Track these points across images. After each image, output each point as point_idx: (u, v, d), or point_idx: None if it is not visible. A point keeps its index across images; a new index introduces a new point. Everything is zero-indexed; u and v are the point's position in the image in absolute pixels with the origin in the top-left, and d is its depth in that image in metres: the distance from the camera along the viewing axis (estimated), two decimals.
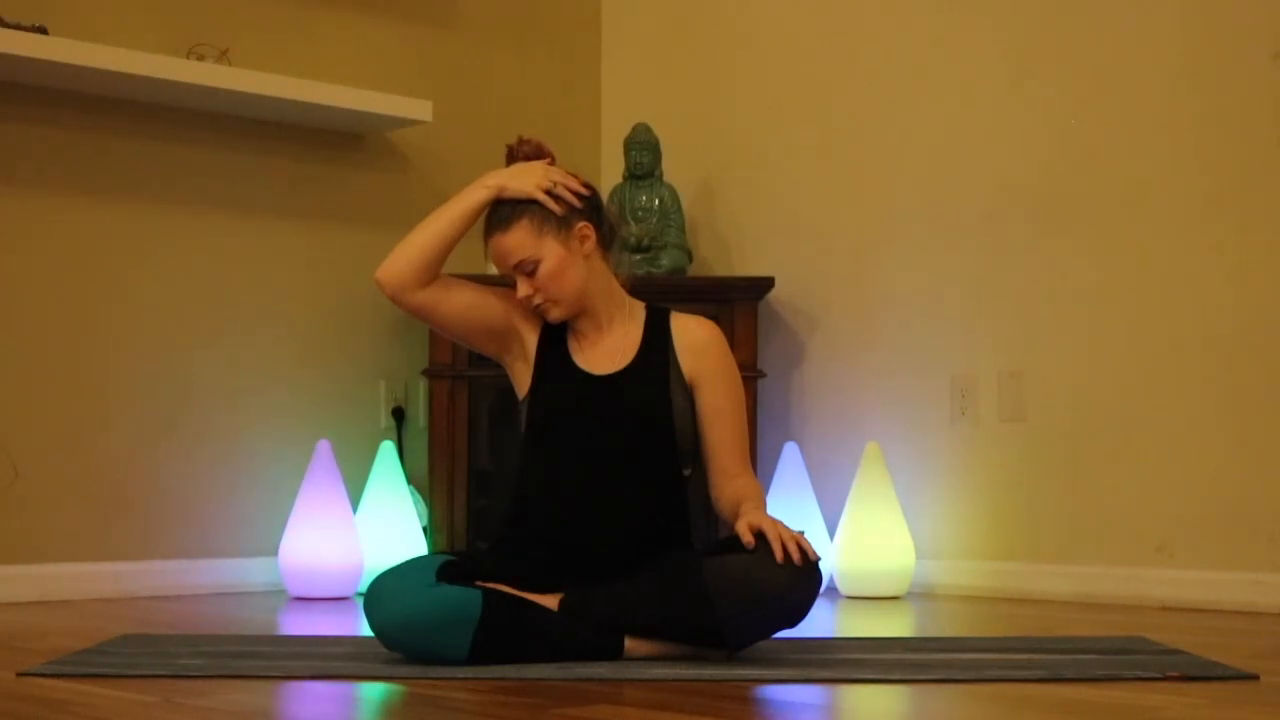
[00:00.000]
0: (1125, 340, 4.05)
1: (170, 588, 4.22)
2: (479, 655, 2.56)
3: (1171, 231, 3.99)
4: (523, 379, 2.89)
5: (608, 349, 2.87)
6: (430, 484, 4.44)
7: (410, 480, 4.46)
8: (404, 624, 2.57)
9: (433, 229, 2.84)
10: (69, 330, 4.14)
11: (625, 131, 4.76)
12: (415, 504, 4.39)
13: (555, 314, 2.85)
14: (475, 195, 2.84)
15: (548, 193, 2.81)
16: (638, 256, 4.60)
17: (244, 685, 2.42)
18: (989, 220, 4.31)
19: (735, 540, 2.64)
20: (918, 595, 4.28)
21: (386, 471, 4.33)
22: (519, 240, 2.80)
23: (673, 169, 4.78)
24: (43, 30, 3.94)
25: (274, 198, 4.49)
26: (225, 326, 4.39)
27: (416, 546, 4.25)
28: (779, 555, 2.58)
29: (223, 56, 4.27)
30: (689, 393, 2.85)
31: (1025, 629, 3.38)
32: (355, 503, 4.32)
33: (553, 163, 2.90)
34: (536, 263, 2.80)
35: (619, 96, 5.16)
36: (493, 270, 3.03)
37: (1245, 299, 3.87)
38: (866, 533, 4.20)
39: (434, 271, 2.84)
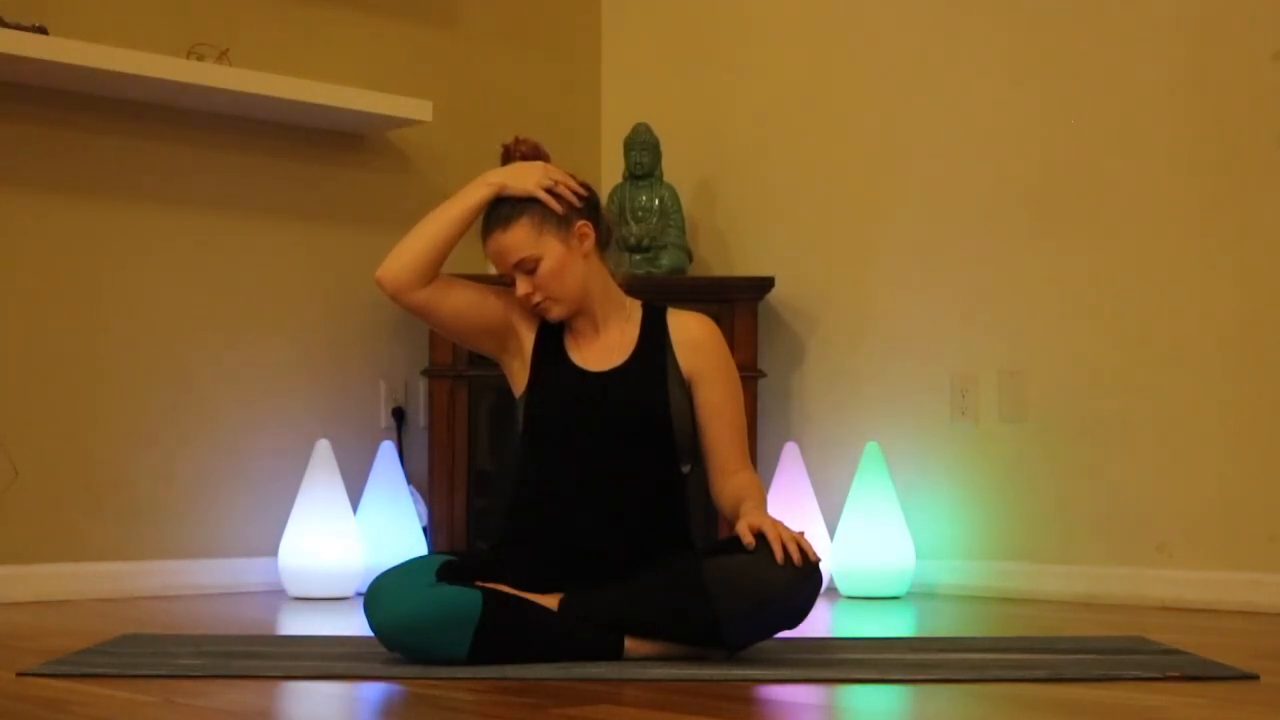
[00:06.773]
0: (1125, 340, 4.05)
1: (170, 588, 4.22)
2: (479, 655, 2.56)
3: (1171, 231, 3.99)
4: (520, 378, 2.89)
5: (605, 347, 2.87)
6: (430, 484, 4.44)
7: (410, 480, 4.46)
8: (404, 624, 2.57)
9: (433, 228, 2.84)
10: (69, 330, 4.14)
11: (625, 131, 4.76)
12: (415, 504, 4.39)
13: (555, 312, 2.85)
14: (476, 193, 2.84)
15: (548, 191, 2.82)
16: (638, 256, 4.60)
17: (244, 685, 2.42)
18: (989, 220, 4.31)
19: (735, 540, 2.64)
20: (918, 595, 4.28)
21: (386, 471, 4.33)
22: (520, 238, 2.80)
23: (673, 169, 4.78)
24: (43, 30, 3.94)
25: (274, 198, 4.49)
26: (225, 326, 4.39)
27: (416, 546, 4.25)
28: (779, 556, 2.58)
29: (223, 56, 4.27)
30: (687, 389, 2.85)
31: (1025, 629, 3.38)
32: (355, 503, 4.32)
33: (549, 163, 2.91)
34: (537, 261, 2.80)
35: (619, 96, 5.16)
36: (494, 270, 3.02)
37: (1245, 298, 3.87)
38: (866, 533, 4.20)
39: (434, 270, 2.84)
